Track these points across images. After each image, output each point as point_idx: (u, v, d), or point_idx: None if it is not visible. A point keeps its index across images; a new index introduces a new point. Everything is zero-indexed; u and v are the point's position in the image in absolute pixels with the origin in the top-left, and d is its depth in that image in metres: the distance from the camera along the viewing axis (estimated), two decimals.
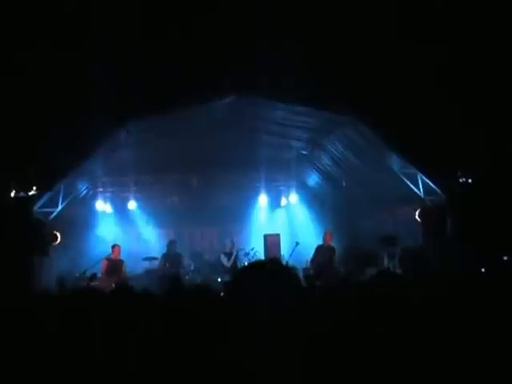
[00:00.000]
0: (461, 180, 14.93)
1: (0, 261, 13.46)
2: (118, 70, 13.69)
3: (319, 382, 2.39)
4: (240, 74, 14.30)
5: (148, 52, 13.79)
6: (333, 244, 18.32)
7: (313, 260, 17.90)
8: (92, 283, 14.83)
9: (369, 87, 14.17)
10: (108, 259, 17.24)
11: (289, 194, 23.01)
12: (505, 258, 13.76)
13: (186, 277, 18.54)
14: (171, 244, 19.21)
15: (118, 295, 5.49)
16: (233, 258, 19.01)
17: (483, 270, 12.74)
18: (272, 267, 2.49)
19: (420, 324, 3.78)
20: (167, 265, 18.59)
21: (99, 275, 16.48)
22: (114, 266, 17.12)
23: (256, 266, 2.58)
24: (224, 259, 19.11)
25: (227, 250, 19.27)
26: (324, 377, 2.47)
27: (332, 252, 17.99)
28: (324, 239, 18.20)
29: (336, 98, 14.40)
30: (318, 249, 18.10)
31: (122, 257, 17.65)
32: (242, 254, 19.68)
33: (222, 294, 4.29)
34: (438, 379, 3.07)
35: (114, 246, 17.65)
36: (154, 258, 19.24)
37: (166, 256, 18.87)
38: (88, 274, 16.27)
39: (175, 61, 14.00)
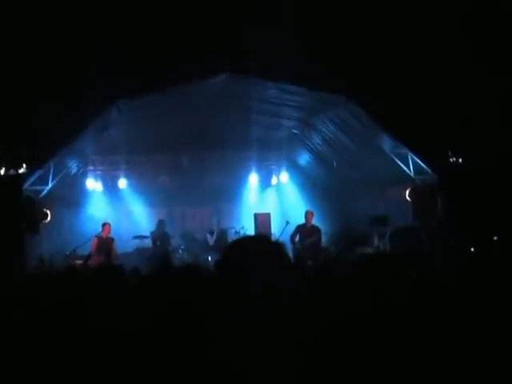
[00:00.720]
0: (451, 160, 14.95)
1: None
2: (109, 47, 13.63)
3: (310, 362, 2.38)
4: (232, 52, 14.26)
5: (140, 30, 13.73)
6: (315, 223, 18.27)
7: (292, 238, 17.73)
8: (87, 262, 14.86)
9: (360, 67, 14.15)
10: (98, 237, 17.21)
11: (280, 173, 23.02)
12: (495, 237, 13.81)
13: (177, 256, 18.60)
14: (160, 223, 19.33)
15: (106, 274, 5.48)
16: (214, 235, 19.09)
17: (472, 249, 12.81)
18: (260, 243, 2.46)
19: (411, 305, 3.78)
20: (158, 243, 18.69)
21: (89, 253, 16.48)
22: (104, 244, 17.10)
23: (244, 241, 2.54)
24: (208, 237, 19.25)
25: (213, 228, 19.39)
26: (315, 356, 2.46)
27: (319, 233, 17.90)
28: (306, 218, 18.05)
29: (328, 77, 14.38)
30: (299, 228, 17.96)
31: (112, 235, 17.63)
32: (232, 232, 19.74)
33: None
34: (427, 359, 3.07)
35: (104, 224, 17.62)
36: (145, 237, 19.28)
37: (155, 235, 19.00)
38: (78, 252, 16.29)
39: (167, 39, 13.95)
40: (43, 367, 3.33)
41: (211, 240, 19.13)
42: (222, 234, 19.29)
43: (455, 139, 14.52)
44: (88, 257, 15.29)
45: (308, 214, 17.99)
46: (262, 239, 2.55)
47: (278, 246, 2.53)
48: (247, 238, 2.61)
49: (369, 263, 4.21)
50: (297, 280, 2.43)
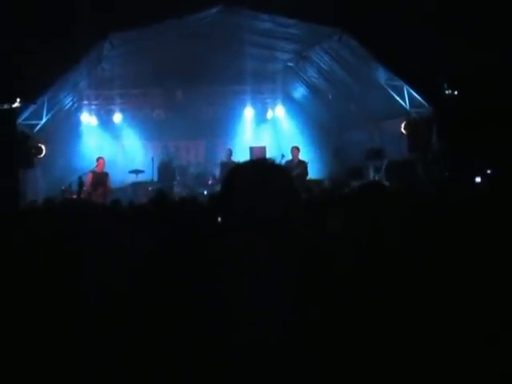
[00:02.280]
0: (447, 92, 14.86)
1: None
2: None
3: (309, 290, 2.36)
4: None
5: None
6: (309, 157, 18.34)
7: None
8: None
9: None
10: (93, 172, 17.17)
11: (275, 106, 22.95)
12: (488, 171, 13.81)
13: (172, 189, 18.65)
14: (169, 157, 19.50)
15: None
16: (219, 167, 19.19)
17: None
18: (265, 164, 2.35)
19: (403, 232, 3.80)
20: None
21: (84, 188, 16.50)
22: (99, 178, 17.08)
23: (248, 163, 2.44)
24: (217, 170, 19.29)
25: (225, 161, 19.34)
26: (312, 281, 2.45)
27: (305, 167, 17.85)
28: (292, 154, 17.98)
29: (321, 8, 14.22)
30: (286, 164, 17.86)
31: (107, 170, 17.61)
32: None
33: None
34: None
35: (98, 159, 17.55)
36: (140, 171, 19.24)
37: (162, 169, 19.18)
38: (73, 186, 16.34)
39: None
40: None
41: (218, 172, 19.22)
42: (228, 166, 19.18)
43: (451, 71, 14.41)
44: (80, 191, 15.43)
45: (294, 150, 17.90)
46: (265, 161, 2.43)
47: (281, 167, 2.44)
48: (250, 160, 2.48)
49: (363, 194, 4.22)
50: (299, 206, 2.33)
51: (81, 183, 15.59)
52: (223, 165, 19.13)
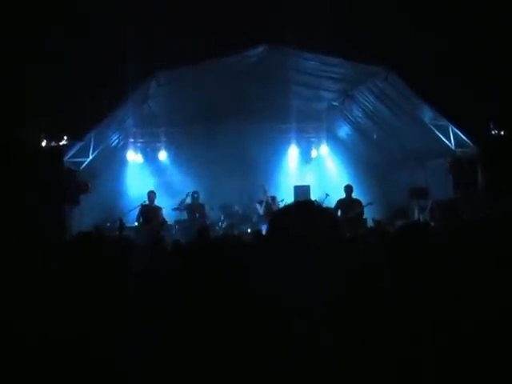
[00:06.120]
0: (493, 132, 14.74)
1: (32, 210, 13.56)
2: (148, 19, 13.67)
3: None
4: (271, 23, 14.20)
5: (180, 2, 13.74)
6: (354, 196, 18.36)
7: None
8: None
9: (399, 37, 13.99)
10: (144, 206, 17.51)
11: (319, 145, 22.89)
12: None
13: (216, 227, 18.70)
14: (194, 195, 19.37)
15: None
16: (264, 204, 19.06)
17: None
18: (309, 207, 2.37)
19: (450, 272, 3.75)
20: (196, 215, 18.82)
21: (134, 224, 16.85)
22: (151, 212, 17.38)
23: (294, 205, 2.46)
24: (259, 208, 19.25)
25: (261, 198, 19.36)
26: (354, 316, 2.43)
27: (361, 206, 17.91)
28: (346, 193, 18.15)
29: (366, 48, 14.26)
30: (340, 202, 17.96)
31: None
32: (276, 202, 19.61)
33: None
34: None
35: (149, 193, 17.89)
36: (184, 209, 19.36)
37: (192, 207, 19.08)
38: (118, 223, 16.53)
39: (206, 10, 13.92)
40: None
41: (261, 209, 19.17)
42: (272, 201, 19.18)
43: (497, 111, 14.31)
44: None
45: (348, 189, 18.05)
46: (310, 202, 2.44)
47: (327, 209, 2.46)
48: (296, 202, 2.51)
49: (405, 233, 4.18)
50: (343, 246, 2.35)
51: (121, 225, 15.68)
52: (260, 202, 19.29)
